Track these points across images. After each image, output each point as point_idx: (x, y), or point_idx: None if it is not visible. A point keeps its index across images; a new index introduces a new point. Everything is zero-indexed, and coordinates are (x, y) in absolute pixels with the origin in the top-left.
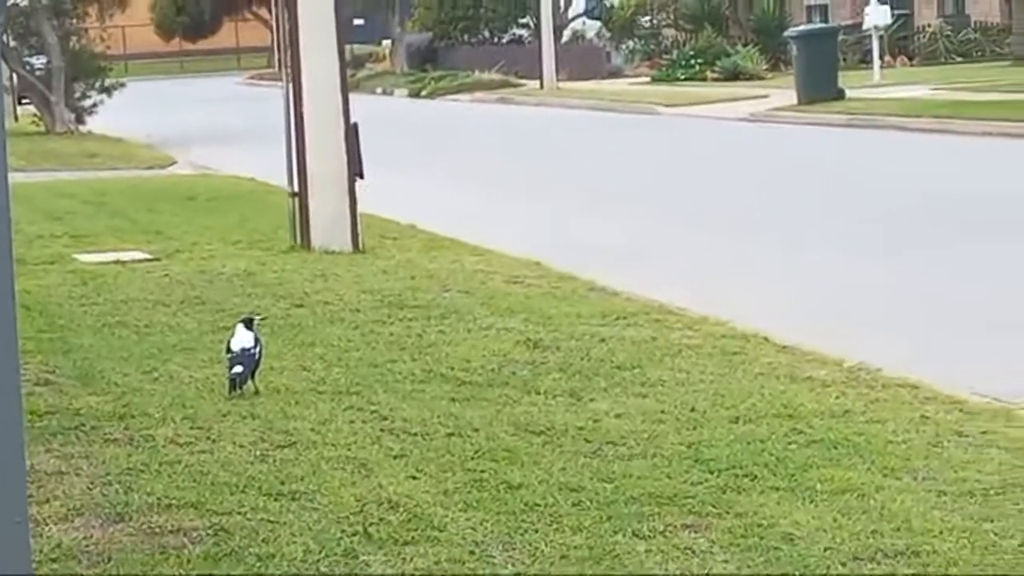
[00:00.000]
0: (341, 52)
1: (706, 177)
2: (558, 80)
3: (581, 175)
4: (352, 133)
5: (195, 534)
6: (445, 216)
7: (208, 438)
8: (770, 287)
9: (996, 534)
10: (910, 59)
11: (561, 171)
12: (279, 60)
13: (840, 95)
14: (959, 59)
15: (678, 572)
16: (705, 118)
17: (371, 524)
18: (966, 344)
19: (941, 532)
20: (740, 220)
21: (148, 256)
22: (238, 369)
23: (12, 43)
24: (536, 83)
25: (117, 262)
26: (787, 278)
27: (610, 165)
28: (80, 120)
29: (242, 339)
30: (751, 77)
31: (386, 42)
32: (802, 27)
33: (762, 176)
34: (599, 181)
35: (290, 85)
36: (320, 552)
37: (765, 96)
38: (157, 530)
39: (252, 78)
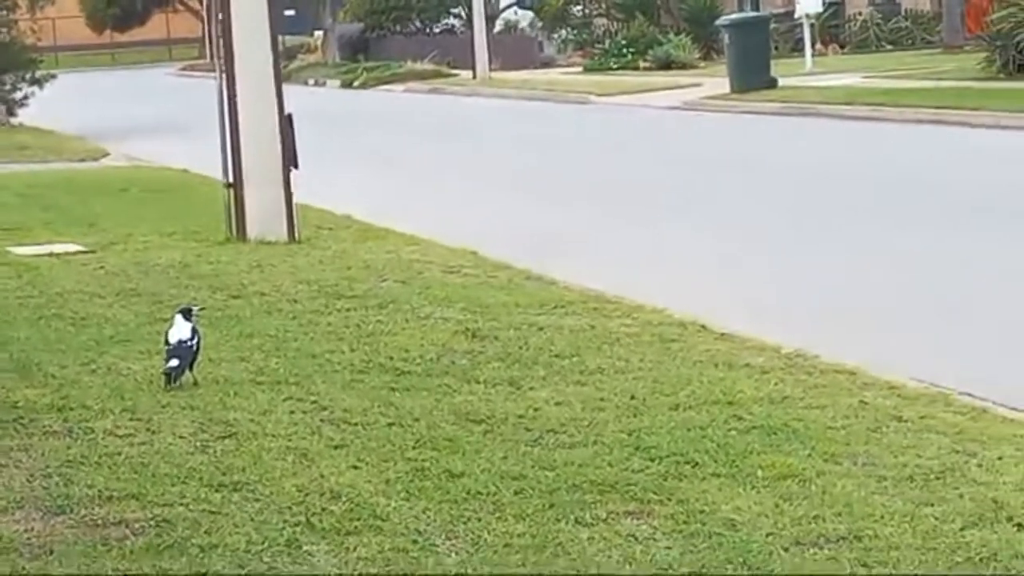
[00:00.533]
0: (275, 42)
1: (639, 166)
2: (491, 70)
3: (515, 165)
4: (287, 124)
5: (137, 526)
6: (380, 206)
7: (148, 429)
8: (704, 275)
9: (937, 518)
10: (842, 47)
11: (495, 161)
12: (211, 51)
13: (773, 83)
14: (890, 47)
15: (621, 559)
16: (638, 107)
17: (313, 514)
18: (900, 330)
19: (882, 517)
20: (673, 208)
21: (83, 248)
22: (174, 363)
23: None
24: (469, 73)
25: (51, 254)
26: (721, 266)
27: (543, 155)
28: (11, 112)
29: (180, 331)
30: (683, 66)
31: (318, 33)
32: (734, 15)
33: (696, 164)
34: (533, 171)
35: (223, 76)
36: (263, 543)
37: (698, 85)
38: (99, 522)
39: (184, 69)
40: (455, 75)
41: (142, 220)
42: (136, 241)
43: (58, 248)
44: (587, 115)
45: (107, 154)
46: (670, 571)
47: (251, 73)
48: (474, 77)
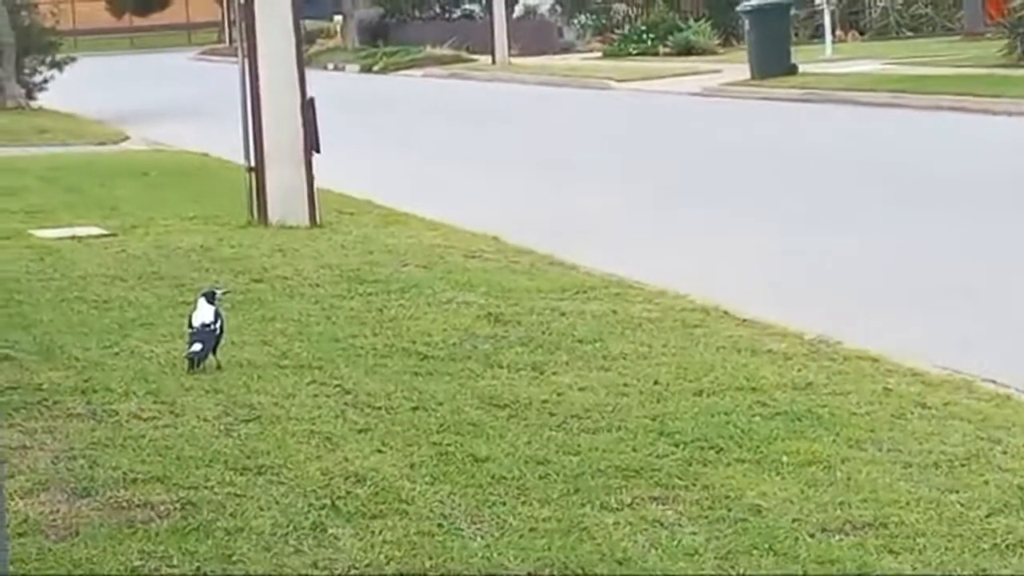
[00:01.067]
0: (296, 26)
1: (659, 152)
2: (510, 55)
3: (535, 150)
4: (308, 107)
5: (162, 508)
6: (400, 191)
7: (172, 412)
8: (726, 260)
9: (962, 505)
10: (861, 34)
11: (515, 146)
12: (231, 35)
13: (793, 70)
14: (910, 34)
15: (647, 544)
16: (657, 93)
17: (338, 498)
18: (922, 316)
19: (908, 503)
20: (694, 194)
21: (104, 231)
22: (197, 347)
23: None
24: (488, 58)
25: (73, 238)
26: (743, 252)
27: (563, 140)
28: (30, 96)
29: (203, 314)
30: (703, 52)
31: (337, 18)
32: (754, 1)
33: (716, 151)
34: (553, 156)
35: (245, 59)
36: (288, 526)
37: (718, 71)
38: (124, 504)
39: (203, 53)
40: (474, 60)
41: (163, 204)
42: (157, 225)
43: (80, 231)
44: (607, 101)
45: (127, 138)
46: (696, 556)
47: (273, 57)
48: (493, 62)
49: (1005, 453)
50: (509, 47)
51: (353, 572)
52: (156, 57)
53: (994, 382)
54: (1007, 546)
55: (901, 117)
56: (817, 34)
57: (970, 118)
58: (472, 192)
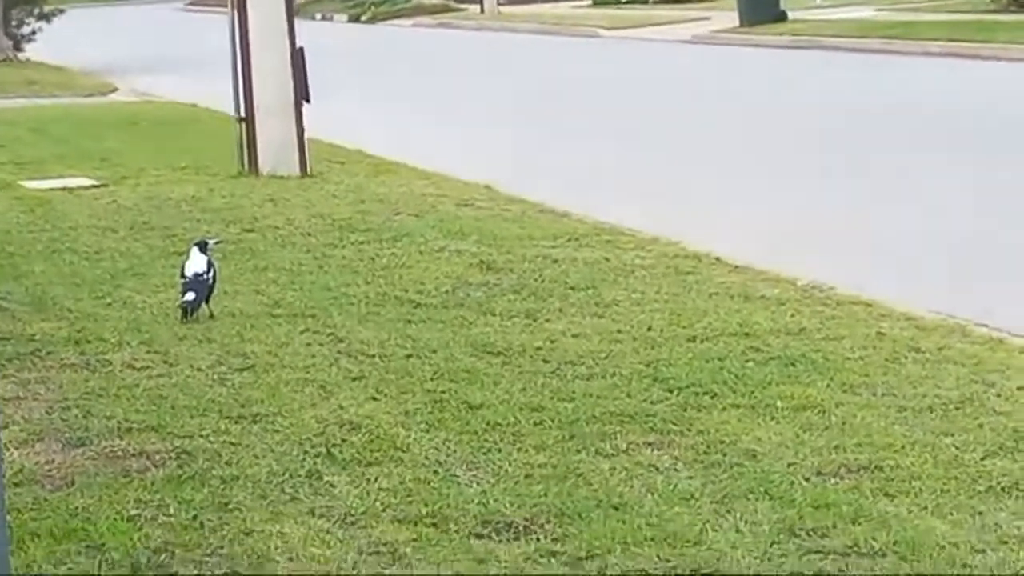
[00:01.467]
0: None
1: (649, 99)
2: (499, 4)
3: (525, 99)
4: (298, 57)
5: (157, 457)
6: (390, 140)
7: (165, 362)
8: (716, 208)
9: (957, 448)
10: None
11: (504, 95)
12: None
13: (783, 17)
14: None
15: (643, 489)
16: (647, 41)
17: (334, 445)
18: (916, 262)
19: (903, 447)
20: (684, 142)
21: (95, 182)
22: (190, 296)
23: None
24: (477, 7)
25: (64, 189)
26: (733, 200)
27: (553, 89)
28: (18, 48)
29: (196, 264)
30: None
31: None
32: None
33: (706, 98)
34: (543, 105)
35: (235, 9)
36: (284, 474)
37: (707, 19)
38: (119, 454)
39: (191, 4)
40: (463, 9)
41: (153, 154)
42: (148, 175)
43: (70, 182)
44: (597, 49)
45: (115, 89)
46: (692, 501)
47: (263, 6)
48: (482, 11)
49: (999, 396)
50: None
51: (350, 519)
52: (144, 9)
53: (987, 326)
54: (1002, 488)
55: (893, 63)
56: None
57: (963, 63)
58: (462, 141)
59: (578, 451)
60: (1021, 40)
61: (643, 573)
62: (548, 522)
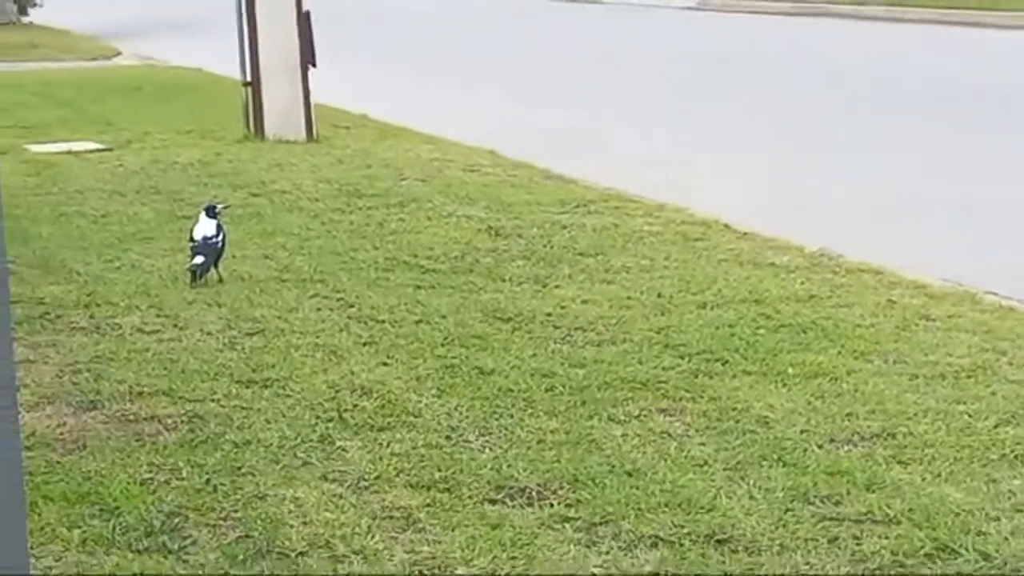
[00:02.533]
0: None
1: (654, 66)
2: None
3: (524, 64)
4: (304, 21)
5: (169, 421)
6: (394, 105)
7: (175, 326)
8: (724, 174)
9: (970, 416)
10: None
11: (504, 60)
12: None
13: None
14: None
15: (656, 455)
16: (650, 7)
17: (345, 410)
18: (923, 229)
19: (915, 414)
20: (689, 109)
21: (100, 146)
22: (199, 260)
23: None
24: None
25: (69, 152)
26: (740, 165)
27: (554, 54)
28: (23, 11)
29: (205, 228)
30: None
31: None
32: None
33: (712, 65)
34: (544, 70)
35: None
36: (296, 438)
37: None
38: (131, 417)
39: None
40: None
41: (159, 119)
42: (154, 139)
43: (76, 146)
44: (598, 15)
45: (119, 53)
46: (706, 467)
47: None
48: None
49: (1011, 364)
50: None
51: (363, 484)
52: None
53: (996, 294)
54: (1016, 456)
55: (895, 31)
56: None
57: (963, 31)
58: (465, 106)
59: (590, 417)
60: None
61: (657, 538)
62: (561, 488)
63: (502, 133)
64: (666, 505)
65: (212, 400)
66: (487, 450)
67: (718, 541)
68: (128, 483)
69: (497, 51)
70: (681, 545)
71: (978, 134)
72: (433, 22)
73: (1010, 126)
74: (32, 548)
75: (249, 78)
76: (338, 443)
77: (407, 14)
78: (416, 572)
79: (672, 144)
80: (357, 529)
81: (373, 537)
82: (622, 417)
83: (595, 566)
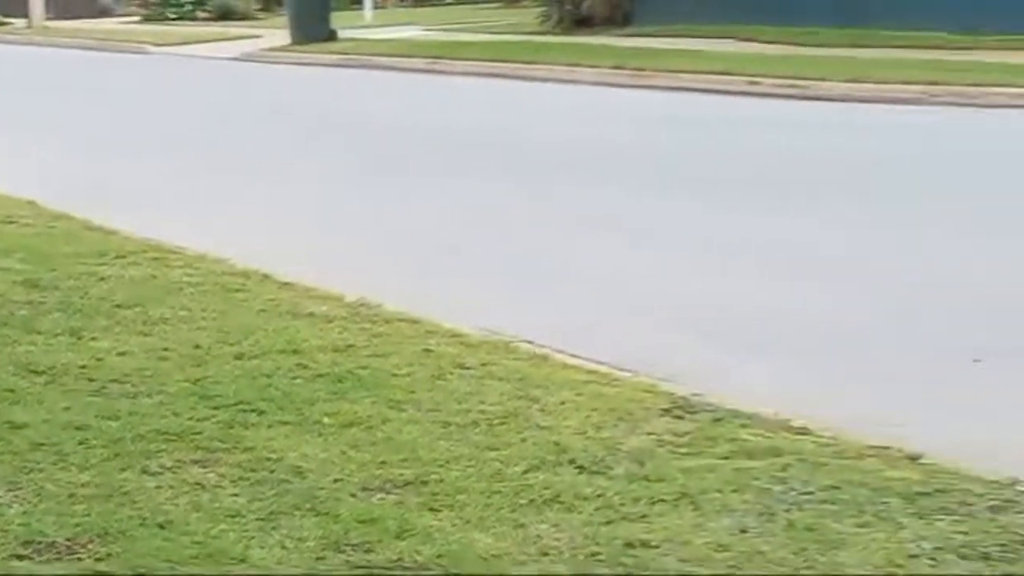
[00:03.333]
0: None
1: (199, 117)
2: (46, 19)
3: (73, 115)
4: None
5: None
6: None
7: None
8: (266, 225)
9: (501, 462)
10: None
11: (51, 111)
12: None
13: (333, 36)
14: (451, 1)
15: (189, 506)
16: (197, 57)
17: None
18: (468, 280)
19: (448, 461)
20: (235, 159)
21: None
22: None
23: None
24: (24, 22)
25: None
26: (284, 216)
27: (102, 106)
28: None
29: None
30: (243, 17)
31: None
32: None
33: (256, 115)
34: (92, 122)
35: None
36: None
37: (258, 36)
38: None
39: None
40: (10, 23)
41: None
42: None
43: None
44: (145, 66)
45: None
46: (239, 517)
47: None
48: (29, 26)
49: (542, 411)
50: (46, 10)
51: None
52: None
53: (531, 342)
54: (544, 501)
55: (437, 82)
56: (358, 0)
57: (506, 84)
58: (8, 157)
59: (123, 470)
60: (563, 61)
61: None
62: (91, 542)
63: (47, 184)
64: (197, 557)
65: None
66: (15, 505)
67: None
68: None
69: (48, 103)
70: None
71: (533, 182)
72: None
73: (569, 175)
74: None
75: None
76: None
77: None
78: None
79: (220, 196)
80: None
81: None
82: (155, 469)
83: None
